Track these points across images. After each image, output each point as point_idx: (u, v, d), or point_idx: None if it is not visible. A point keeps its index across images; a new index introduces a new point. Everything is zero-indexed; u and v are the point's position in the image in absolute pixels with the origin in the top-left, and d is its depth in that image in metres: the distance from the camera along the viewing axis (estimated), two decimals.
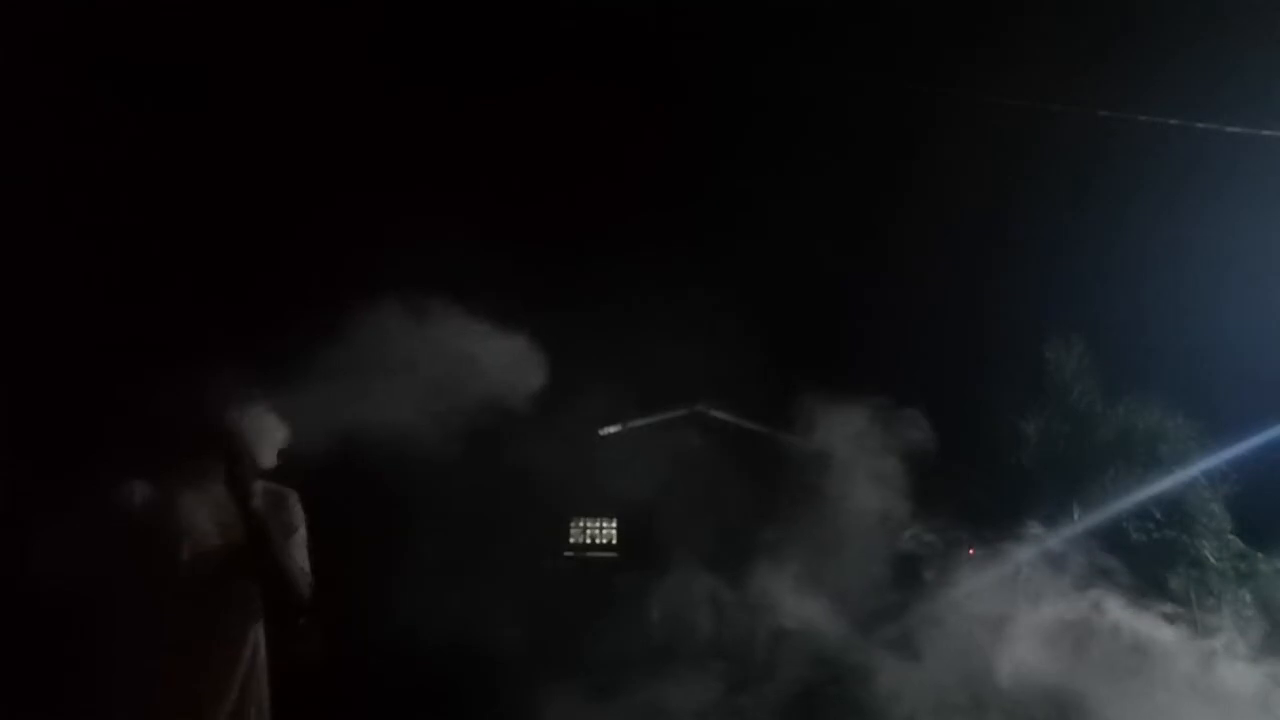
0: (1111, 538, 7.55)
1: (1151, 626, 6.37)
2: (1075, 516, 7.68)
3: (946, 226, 8.85)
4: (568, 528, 12.01)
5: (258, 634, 3.13)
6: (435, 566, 7.40)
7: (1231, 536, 8.13)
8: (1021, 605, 6.41)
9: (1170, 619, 6.59)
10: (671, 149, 8.54)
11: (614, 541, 12.10)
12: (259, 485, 3.16)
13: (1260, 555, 8.07)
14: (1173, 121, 8.06)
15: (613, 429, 11.64)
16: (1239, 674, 6.37)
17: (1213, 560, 7.91)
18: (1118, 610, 6.40)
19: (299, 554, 3.23)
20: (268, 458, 3.23)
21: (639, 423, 11.87)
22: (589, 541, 12.19)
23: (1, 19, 5.55)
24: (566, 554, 11.69)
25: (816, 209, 8.97)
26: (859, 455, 6.59)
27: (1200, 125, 8.06)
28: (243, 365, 3.20)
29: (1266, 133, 8.06)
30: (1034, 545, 7.10)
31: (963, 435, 7.84)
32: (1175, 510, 8.09)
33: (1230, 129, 8.02)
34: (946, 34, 9.03)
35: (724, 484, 7.28)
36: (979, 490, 7.80)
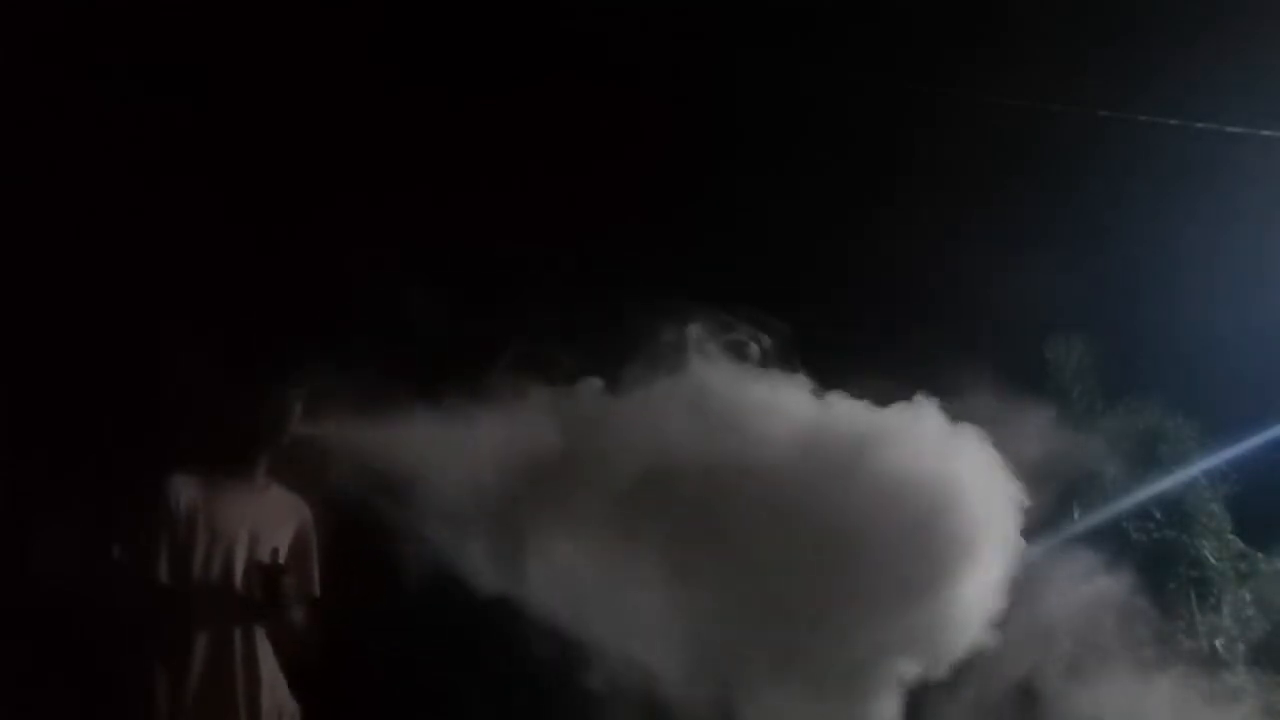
0: (1111, 538, 7.54)
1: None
2: (1075, 516, 7.67)
3: (945, 226, 8.84)
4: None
5: (260, 636, 3.13)
6: (436, 566, 7.37)
7: (1231, 536, 8.12)
8: (1023, 605, 6.41)
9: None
10: (671, 149, 8.53)
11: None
12: (276, 495, 3.16)
13: (1260, 555, 8.06)
14: (1172, 121, 8.06)
15: None
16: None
17: (1213, 560, 7.90)
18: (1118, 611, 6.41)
19: (313, 573, 3.22)
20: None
21: None
22: None
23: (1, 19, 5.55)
24: None
25: (815, 208, 8.96)
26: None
27: (1200, 125, 8.06)
28: (245, 364, 3.20)
29: (1266, 133, 8.07)
30: (1033, 545, 7.09)
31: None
32: (1175, 510, 8.07)
33: (1230, 129, 8.01)
34: (946, 34, 9.03)
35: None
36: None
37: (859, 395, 3.71)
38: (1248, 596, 7.74)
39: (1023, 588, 6.54)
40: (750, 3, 8.89)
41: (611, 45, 8.09)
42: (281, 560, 3.08)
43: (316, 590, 3.31)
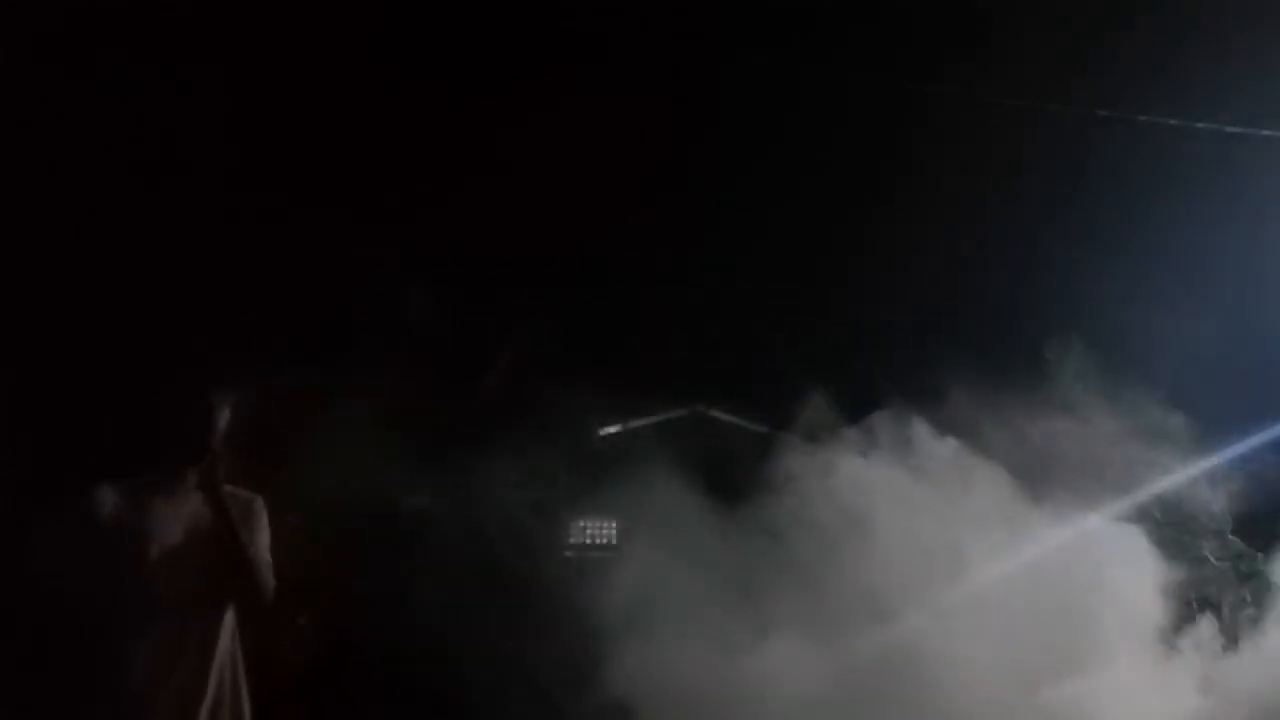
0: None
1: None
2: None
3: (946, 226, 8.84)
4: (568, 528, 11.99)
5: (233, 634, 3.16)
6: (434, 567, 7.39)
7: (1231, 537, 8.12)
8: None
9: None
10: (669, 148, 8.53)
11: (614, 541, 12.08)
12: (226, 491, 3.19)
13: (1260, 555, 8.06)
14: (1172, 121, 8.06)
15: (613, 429, 11.63)
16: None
17: (1213, 560, 7.90)
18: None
19: (263, 560, 3.25)
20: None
21: (639, 423, 11.86)
22: (589, 541, 12.17)
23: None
24: (566, 554, 11.67)
25: (815, 208, 8.97)
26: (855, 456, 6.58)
27: (1200, 125, 8.06)
28: (242, 365, 3.21)
29: (1266, 133, 8.06)
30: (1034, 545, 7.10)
31: (961, 436, 7.83)
32: (1175, 510, 8.07)
33: (1230, 129, 8.01)
34: (944, 33, 9.03)
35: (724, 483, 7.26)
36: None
37: None
38: (1248, 596, 7.74)
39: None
40: (750, 3, 8.90)
41: (611, 45, 8.10)
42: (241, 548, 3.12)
43: (270, 582, 3.31)
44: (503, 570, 7.99)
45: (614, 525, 12.17)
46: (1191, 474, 8.11)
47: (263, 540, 3.25)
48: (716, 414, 12.00)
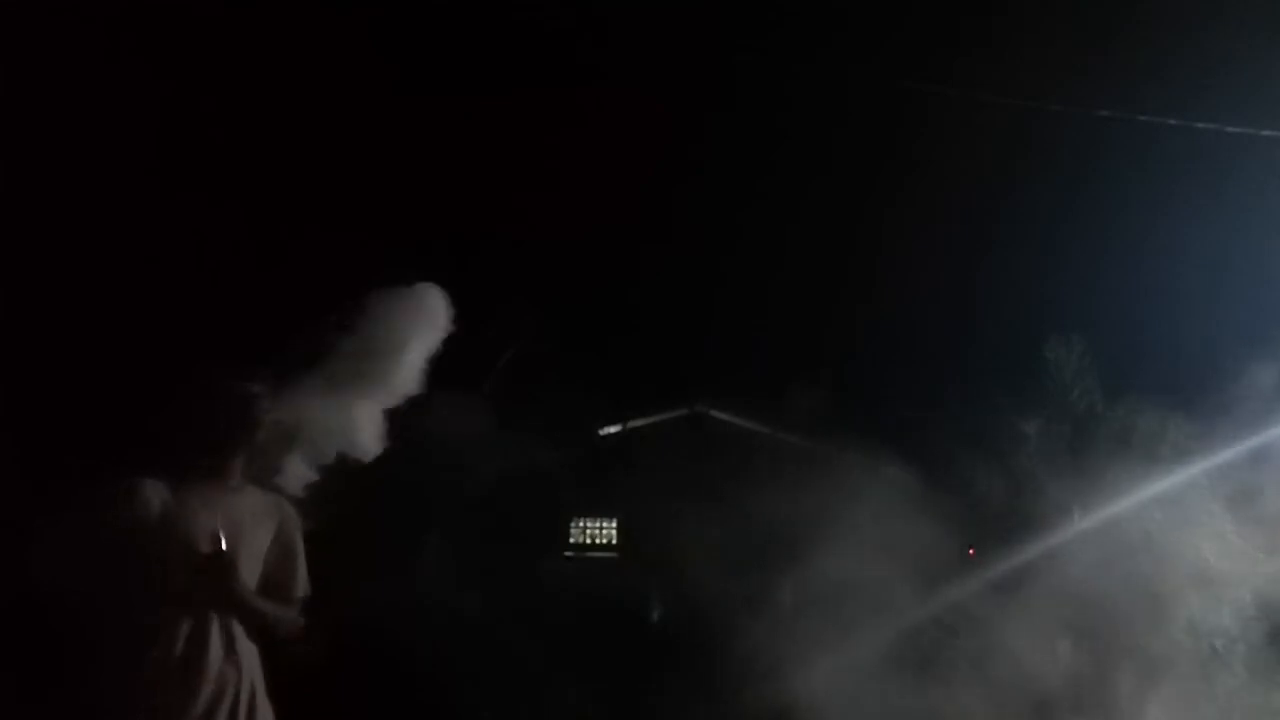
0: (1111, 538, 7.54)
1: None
2: (1075, 517, 7.67)
3: (946, 226, 8.85)
4: (568, 528, 12.02)
5: (242, 632, 3.13)
6: (435, 567, 7.40)
7: (1231, 537, 8.11)
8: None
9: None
10: (668, 148, 8.54)
11: (614, 541, 12.11)
12: (254, 495, 3.16)
13: (1260, 555, 8.05)
14: (1172, 121, 8.06)
15: (613, 429, 11.65)
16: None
17: (1212, 560, 7.90)
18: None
19: (299, 570, 3.22)
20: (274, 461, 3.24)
21: (639, 423, 11.88)
22: (589, 541, 12.19)
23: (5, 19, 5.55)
24: (566, 554, 11.69)
25: (813, 208, 8.98)
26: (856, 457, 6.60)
27: (1200, 125, 8.06)
28: (251, 365, 3.20)
29: (1267, 133, 8.06)
30: (1034, 546, 7.12)
31: (961, 436, 7.84)
32: (1175, 510, 8.07)
33: (1230, 129, 8.01)
34: (944, 33, 9.04)
35: (723, 483, 7.28)
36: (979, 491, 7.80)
37: None
38: (1248, 597, 7.73)
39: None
40: (750, 3, 8.91)
41: (612, 45, 8.11)
42: (262, 555, 3.09)
43: (303, 589, 3.28)
44: (502, 570, 7.99)
45: (614, 525, 12.20)
46: (1191, 474, 8.13)
47: (295, 552, 3.24)
48: (716, 414, 12.02)
